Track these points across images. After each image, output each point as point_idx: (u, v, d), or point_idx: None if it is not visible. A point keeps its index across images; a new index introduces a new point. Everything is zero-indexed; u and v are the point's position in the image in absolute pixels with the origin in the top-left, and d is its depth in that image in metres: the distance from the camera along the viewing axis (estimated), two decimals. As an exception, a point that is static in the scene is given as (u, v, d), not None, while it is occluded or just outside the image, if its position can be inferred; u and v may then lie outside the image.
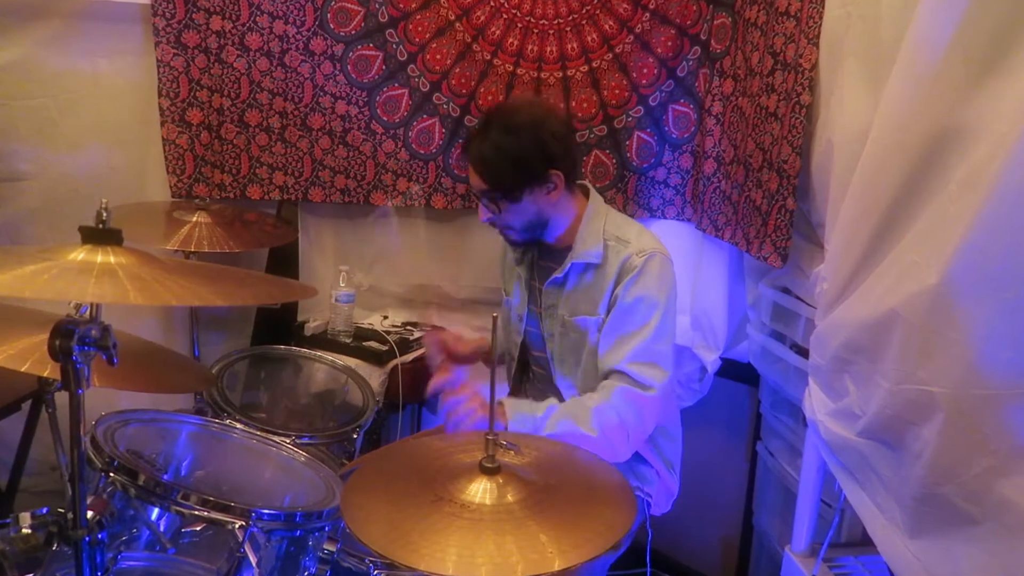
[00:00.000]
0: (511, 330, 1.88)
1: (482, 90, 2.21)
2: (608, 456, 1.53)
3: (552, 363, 1.75)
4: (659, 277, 1.60)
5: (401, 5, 2.15)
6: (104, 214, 1.13)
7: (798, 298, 1.81)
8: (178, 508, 1.25)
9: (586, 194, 1.73)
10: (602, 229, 1.66)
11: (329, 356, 2.09)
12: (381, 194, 2.30)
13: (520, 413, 1.53)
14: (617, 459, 1.62)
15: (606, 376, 1.63)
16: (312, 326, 2.30)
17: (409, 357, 2.23)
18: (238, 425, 1.61)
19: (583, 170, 2.21)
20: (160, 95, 2.15)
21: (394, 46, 2.19)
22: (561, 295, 1.70)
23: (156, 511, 1.30)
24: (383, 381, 2.16)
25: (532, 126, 1.57)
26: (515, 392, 1.96)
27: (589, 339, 1.66)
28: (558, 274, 1.68)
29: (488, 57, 2.18)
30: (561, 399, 1.74)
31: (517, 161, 1.56)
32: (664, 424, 1.76)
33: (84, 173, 2.18)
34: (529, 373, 1.92)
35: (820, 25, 1.54)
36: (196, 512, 1.24)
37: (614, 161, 2.23)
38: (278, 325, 2.42)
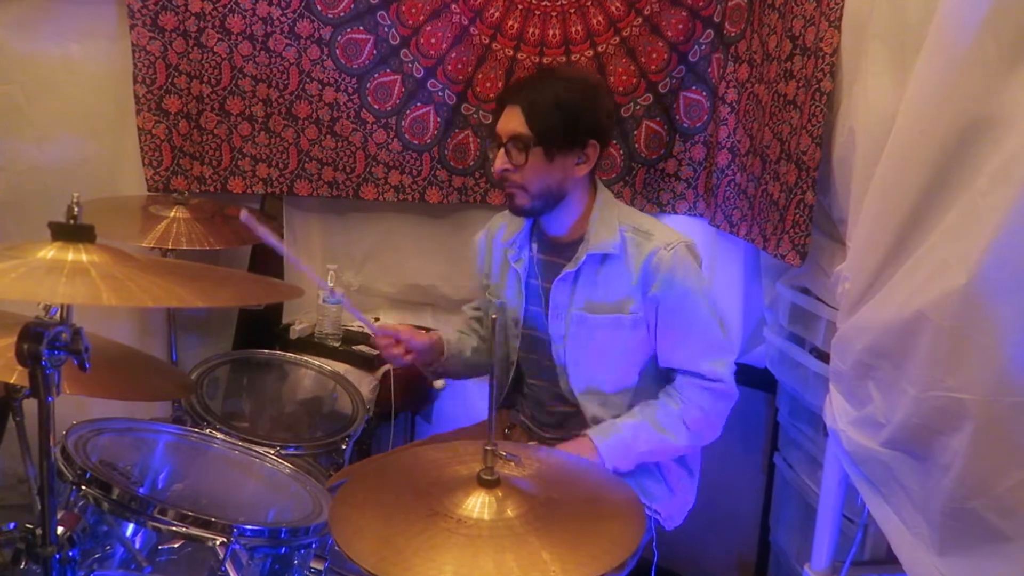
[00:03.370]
0: (507, 335, 1.85)
1: (480, 76, 2.21)
2: (699, 445, 1.71)
3: (564, 368, 1.71)
4: (692, 267, 1.64)
5: (393, -15, 2.16)
6: (75, 209, 1.13)
7: (818, 299, 1.81)
8: (155, 524, 1.25)
9: (595, 188, 1.73)
10: (616, 219, 1.66)
11: (316, 361, 2.09)
12: (372, 187, 2.30)
13: (612, 437, 1.61)
14: (707, 442, 1.71)
15: (676, 375, 1.69)
16: (298, 329, 2.30)
17: (402, 362, 2.23)
18: (219, 435, 1.62)
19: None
20: (135, 82, 2.15)
21: (386, 29, 2.19)
22: (575, 292, 1.68)
23: (131, 527, 1.30)
24: (374, 388, 2.16)
25: (592, 89, 1.64)
26: (509, 404, 1.92)
27: (615, 338, 1.66)
28: (570, 268, 1.66)
29: (486, 41, 2.18)
30: (575, 406, 1.72)
31: (570, 114, 1.59)
32: None
33: (54, 165, 2.18)
34: (523, 387, 1.87)
35: (842, 6, 1.55)
36: (174, 528, 1.24)
37: (621, 152, 2.23)
38: (262, 328, 2.42)
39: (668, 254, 1.60)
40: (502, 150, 1.61)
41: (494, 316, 1.18)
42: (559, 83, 1.61)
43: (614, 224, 1.65)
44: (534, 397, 1.83)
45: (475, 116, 2.25)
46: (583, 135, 1.60)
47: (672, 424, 1.63)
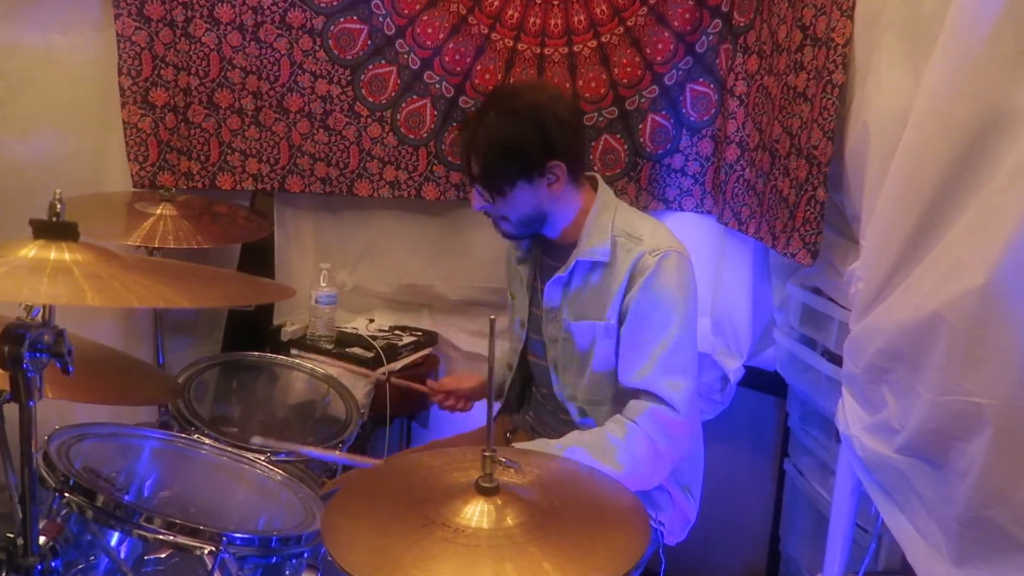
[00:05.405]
0: (512, 337, 1.89)
1: (478, 68, 2.21)
2: (636, 487, 1.57)
3: (553, 372, 1.75)
4: (677, 277, 1.61)
5: (389, -27, 2.16)
6: (58, 206, 1.13)
7: (830, 299, 1.81)
8: (141, 532, 1.24)
9: (595, 186, 1.74)
10: (611, 224, 1.67)
11: (309, 364, 2.09)
12: (366, 184, 2.30)
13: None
14: (646, 487, 1.65)
15: (632, 394, 1.63)
16: (290, 330, 2.30)
17: (398, 365, 2.23)
18: (207, 440, 1.62)
19: (592, 157, 2.21)
20: (120, 73, 2.15)
21: (380, 19, 2.19)
22: (565, 296, 1.70)
23: (116, 536, 1.30)
24: (369, 391, 2.16)
25: (534, 111, 1.60)
26: (513, 408, 1.95)
27: (596, 346, 1.67)
28: (561, 273, 1.68)
29: (485, 31, 2.18)
30: (567, 414, 1.74)
31: (512, 149, 1.59)
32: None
33: (36, 160, 2.18)
34: (531, 389, 1.91)
35: (855, -5, 1.55)
36: (161, 536, 1.24)
37: (625, 147, 2.23)
38: (252, 329, 2.42)
39: (653, 259, 1.60)
40: (474, 190, 1.67)
41: (492, 317, 1.19)
42: (497, 114, 1.60)
43: (607, 230, 1.66)
44: (540, 401, 1.86)
45: (473, 110, 2.25)
46: (538, 162, 1.60)
47: (612, 454, 1.56)
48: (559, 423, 1.79)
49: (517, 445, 1.61)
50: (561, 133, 1.61)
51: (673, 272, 1.60)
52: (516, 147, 1.59)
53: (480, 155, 1.62)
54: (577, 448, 1.57)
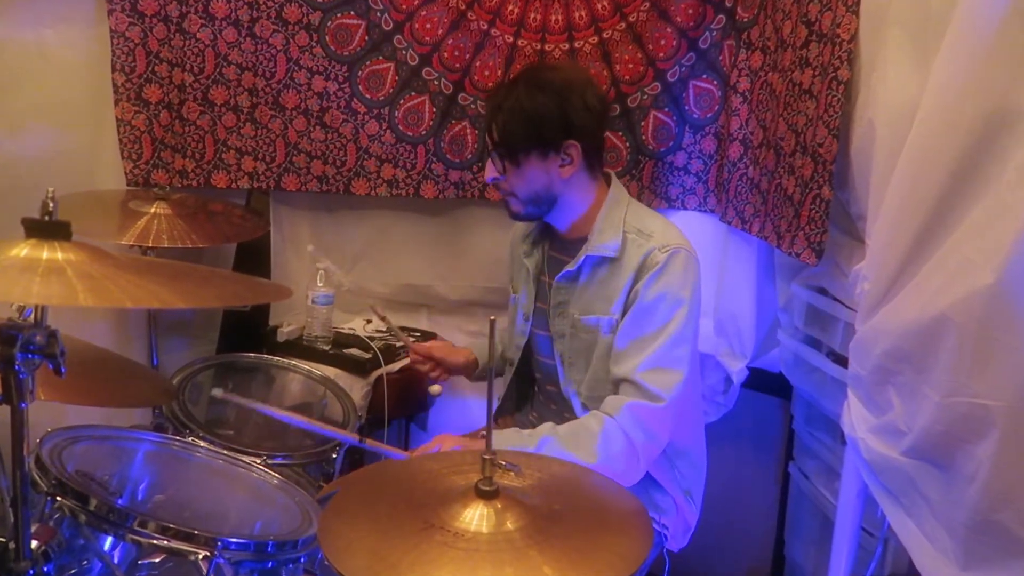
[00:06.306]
0: (514, 332, 1.89)
1: (478, 64, 2.21)
2: (614, 479, 1.55)
3: (561, 368, 1.76)
4: (683, 274, 1.62)
5: (386, -32, 2.16)
6: (50, 204, 1.12)
7: (836, 300, 1.81)
8: (134, 537, 1.25)
9: (608, 182, 1.75)
10: (622, 220, 1.68)
11: (305, 365, 2.09)
12: (363, 182, 2.30)
13: (509, 448, 1.55)
14: (626, 482, 1.64)
15: (616, 384, 1.64)
16: (286, 331, 2.30)
17: (396, 366, 2.23)
18: (202, 443, 1.62)
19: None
20: (114, 70, 2.15)
21: (378, 14, 2.19)
22: (574, 291, 1.72)
23: (109, 540, 1.30)
24: (366, 393, 2.16)
25: (562, 89, 1.63)
26: (514, 408, 1.96)
27: (601, 341, 1.68)
28: (571, 267, 1.70)
29: (485, 27, 2.18)
30: (571, 411, 1.75)
31: (531, 120, 1.62)
32: (687, 447, 1.76)
33: (28, 158, 2.17)
34: (534, 387, 1.92)
35: (861, -10, 1.55)
36: (155, 541, 1.24)
37: (627, 144, 2.23)
38: (247, 330, 2.41)
39: (662, 255, 1.62)
40: (490, 160, 1.69)
41: (492, 318, 1.19)
42: (524, 89, 1.63)
43: (618, 225, 1.68)
44: (544, 400, 1.87)
45: (473, 106, 2.25)
46: (555, 138, 1.63)
47: (587, 444, 1.56)
48: (564, 422, 1.79)
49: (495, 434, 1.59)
50: (583, 115, 1.64)
51: (680, 270, 1.62)
52: (536, 119, 1.61)
53: (501, 121, 1.64)
54: (549, 438, 1.58)
